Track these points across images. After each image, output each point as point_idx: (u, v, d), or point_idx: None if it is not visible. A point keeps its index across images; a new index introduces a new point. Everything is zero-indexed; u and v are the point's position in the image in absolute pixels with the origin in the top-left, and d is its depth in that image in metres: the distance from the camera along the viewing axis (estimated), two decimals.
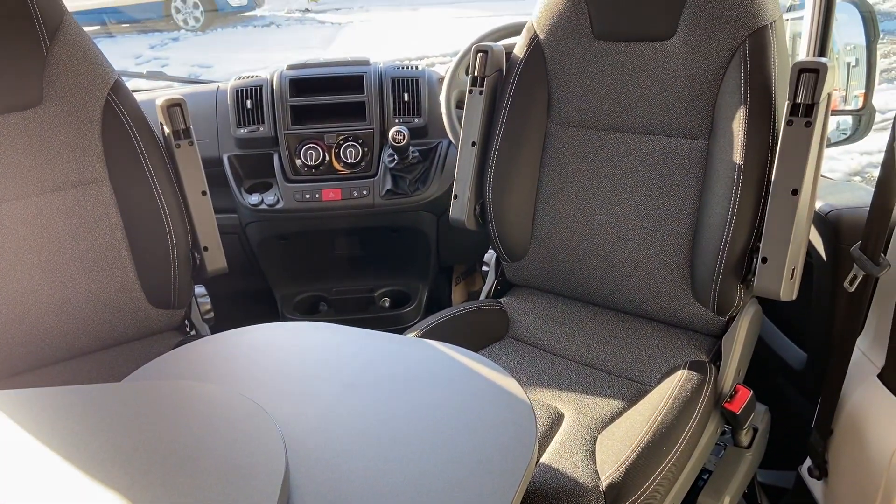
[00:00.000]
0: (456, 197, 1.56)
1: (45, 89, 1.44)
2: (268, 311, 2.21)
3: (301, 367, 1.03)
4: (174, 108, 1.50)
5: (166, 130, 1.51)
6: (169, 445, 0.81)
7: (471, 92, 1.53)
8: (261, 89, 2.01)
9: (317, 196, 1.97)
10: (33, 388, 0.93)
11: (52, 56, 1.44)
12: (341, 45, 8.47)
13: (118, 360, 1.48)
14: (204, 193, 1.54)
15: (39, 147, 1.44)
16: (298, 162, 1.99)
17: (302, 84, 2.02)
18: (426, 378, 0.99)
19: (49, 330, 1.44)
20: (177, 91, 2.20)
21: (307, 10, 10.73)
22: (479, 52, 1.52)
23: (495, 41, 1.73)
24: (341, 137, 1.98)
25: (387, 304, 2.23)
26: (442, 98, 1.88)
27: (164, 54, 8.32)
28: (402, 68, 2.05)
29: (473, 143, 1.53)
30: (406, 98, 1.99)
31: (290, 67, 2.07)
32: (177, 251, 1.50)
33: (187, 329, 1.64)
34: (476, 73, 1.52)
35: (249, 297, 2.29)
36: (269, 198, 1.98)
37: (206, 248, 1.54)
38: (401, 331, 1.31)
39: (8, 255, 1.40)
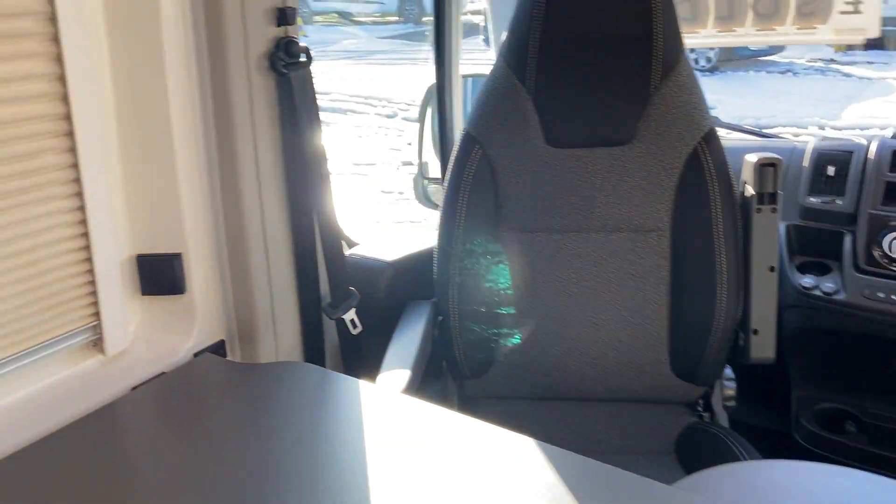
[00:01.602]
0: None
1: (640, 128, 1.38)
2: (777, 407, 1.89)
3: None
4: (767, 167, 1.33)
5: (749, 191, 1.34)
6: None
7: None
8: (850, 156, 1.69)
9: (893, 297, 1.56)
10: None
11: (658, 95, 1.38)
12: (866, 104, 7.40)
13: (619, 416, 1.46)
14: (772, 269, 1.34)
15: (615, 185, 1.41)
16: (877, 252, 1.60)
17: None
18: None
19: (563, 363, 1.45)
20: (738, 139, 2.01)
21: (832, 61, 9.71)
22: None
23: None
24: None
25: None
26: None
27: None
28: None
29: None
30: None
31: None
32: (721, 325, 1.37)
33: (700, 409, 1.49)
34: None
35: (755, 382, 1.99)
36: (828, 284, 1.64)
37: (755, 331, 1.37)
38: None
39: (555, 283, 1.45)
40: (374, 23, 11.66)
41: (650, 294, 1.42)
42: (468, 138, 1.43)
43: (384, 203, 5.34)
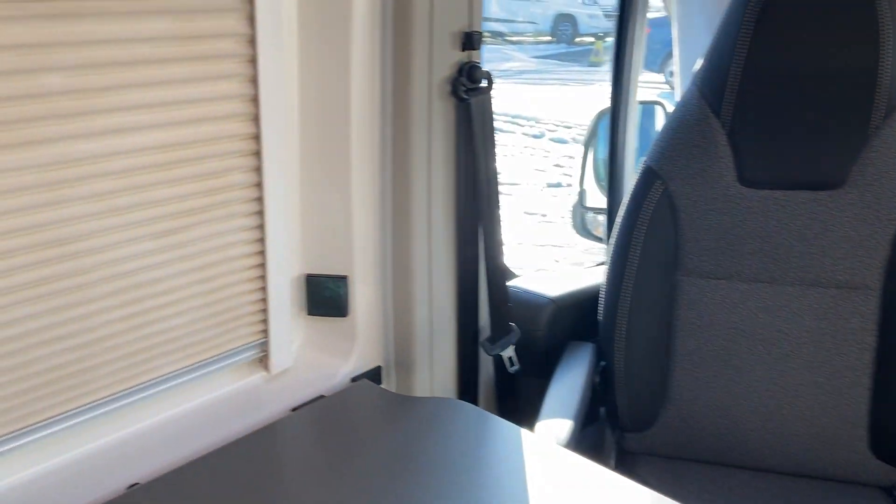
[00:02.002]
0: None
1: (854, 172, 1.22)
2: None
3: None
4: None
5: None
6: None
7: None
8: None
9: None
10: None
11: (879, 137, 1.21)
12: None
13: (802, 493, 1.30)
14: None
15: (817, 234, 1.26)
16: None
17: None
18: None
19: (739, 427, 1.34)
20: None
21: None
22: None
23: None
24: None
25: None
26: None
27: None
28: None
29: None
30: None
31: None
32: None
33: None
34: None
35: None
36: None
37: None
38: None
39: (737, 338, 1.32)
40: (528, 43, 11.70)
41: (850, 360, 1.26)
42: (648, 172, 1.32)
43: (527, 224, 5.28)
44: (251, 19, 0.89)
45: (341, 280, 1.09)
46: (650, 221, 1.32)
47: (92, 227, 0.83)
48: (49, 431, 0.86)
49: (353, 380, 1.12)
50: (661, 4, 1.91)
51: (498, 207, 1.15)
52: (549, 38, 11.59)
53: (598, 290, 1.41)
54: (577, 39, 11.56)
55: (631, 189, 1.35)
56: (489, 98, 1.09)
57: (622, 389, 1.37)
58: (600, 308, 1.38)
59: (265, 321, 1.06)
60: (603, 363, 1.40)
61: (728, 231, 1.29)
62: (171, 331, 0.95)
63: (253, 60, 0.91)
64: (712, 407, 1.33)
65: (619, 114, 1.67)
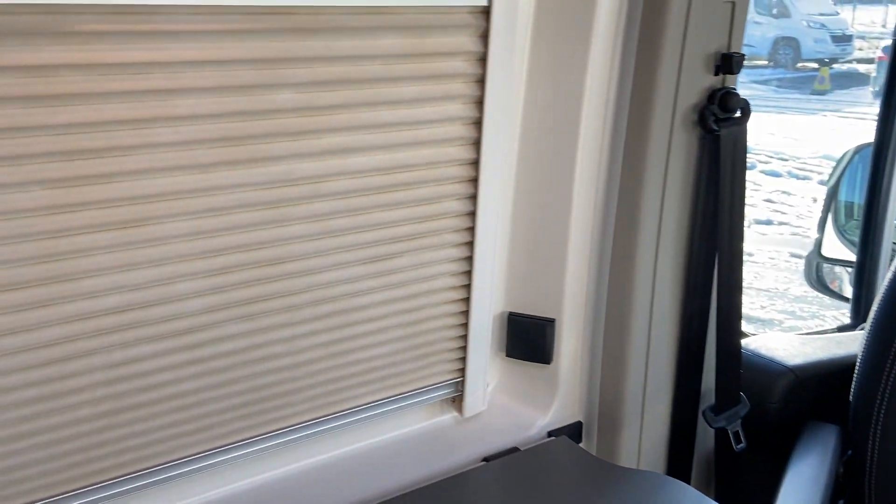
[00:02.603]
0: None
1: None
2: None
3: None
4: None
5: None
6: None
7: None
8: None
9: None
10: None
11: None
12: None
13: None
14: None
15: None
16: None
17: None
18: None
19: None
20: None
21: None
22: None
23: None
24: None
25: None
26: None
27: None
28: None
29: None
30: None
31: None
32: None
33: None
34: None
35: None
36: None
37: None
38: None
39: None
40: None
41: None
42: None
43: (784, 269, 4.65)
44: (484, 37, 0.82)
45: (548, 323, 0.99)
46: None
47: (306, 249, 0.80)
48: (242, 453, 0.85)
49: (550, 434, 1.01)
50: None
51: (741, 262, 0.99)
52: (765, 61, 10.72)
53: (849, 363, 1.17)
54: (799, 65, 10.58)
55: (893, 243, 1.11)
56: (744, 131, 0.93)
57: (872, 486, 1.12)
58: (852, 385, 1.15)
59: (463, 359, 0.99)
60: (850, 452, 1.16)
61: None
62: (369, 360, 0.90)
63: (481, 81, 0.84)
64: None
65: (887, 153, 1.40)
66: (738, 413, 1.03)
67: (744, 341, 1.29)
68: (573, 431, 1.02)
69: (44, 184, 0.63)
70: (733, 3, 0.90)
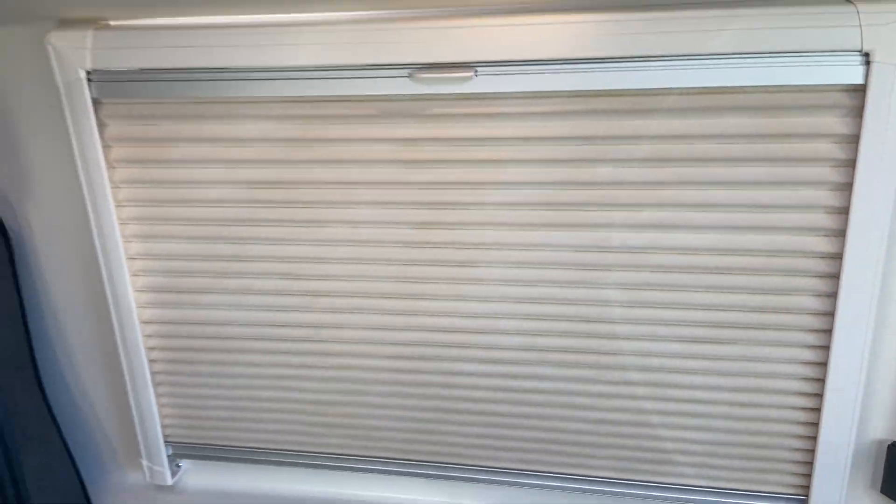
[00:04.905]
0: None
1: None
2: None
3: None
4: None
5: None
6: None
7: None
8: None
9: None
10: None
11: None
12: None
13: None
14: None
15: None
16: None
17: None
18: None
19: None
20: None
21: None
22: None
23: None
24: None
25: None
26: None
27: None
28: None
29: None
30: None
31: None
32: None
33: None
34: None
35: None
36: None
37: None
38: None
39: None
40: None
41: None
42: None
43: None
44: (859, 116, 0.70)
45: None
46: None
47: (617, 314, 0.82)
48: (535, 482, 0.92)
49: None
50: None
51: None
52: None
53: None
54: None
55: None
56: None
57: None
58: None
59: (808, 476, 0.85)
60: None
61: None
62: (682, 441, 0.87)
63: (850, 165, 0.71)
64: None
65: None
66: None
67: None
68: None
69: (408, 224, 0.83)
70: None
